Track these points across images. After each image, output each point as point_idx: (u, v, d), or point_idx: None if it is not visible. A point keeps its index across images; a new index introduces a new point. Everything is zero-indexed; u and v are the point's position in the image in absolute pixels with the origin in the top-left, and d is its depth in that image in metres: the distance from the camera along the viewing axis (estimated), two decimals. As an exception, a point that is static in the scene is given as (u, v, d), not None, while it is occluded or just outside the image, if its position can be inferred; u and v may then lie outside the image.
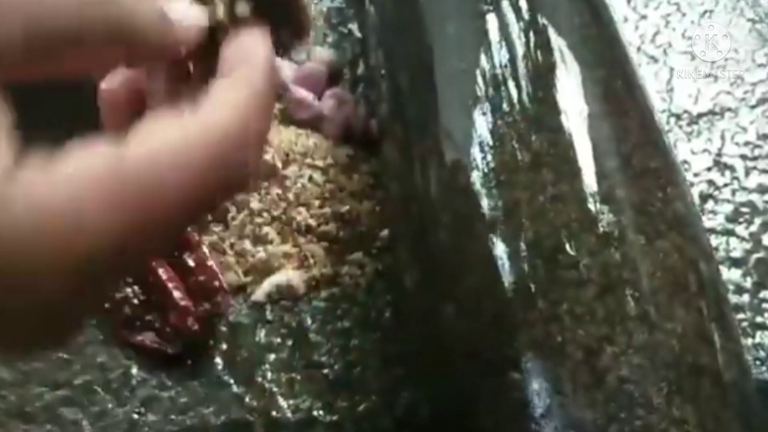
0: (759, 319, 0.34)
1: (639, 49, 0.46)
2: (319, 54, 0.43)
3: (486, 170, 0.27)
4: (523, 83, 0.30)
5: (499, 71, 0.30)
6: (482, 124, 0.29)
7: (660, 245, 0.24)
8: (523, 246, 0.24)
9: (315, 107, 0.40)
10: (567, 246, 0.24)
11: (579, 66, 0.29)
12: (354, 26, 0.45)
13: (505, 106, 0.29)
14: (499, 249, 0.25)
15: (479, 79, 0.30)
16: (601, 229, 0.24)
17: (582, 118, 0.27)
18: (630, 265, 0.23)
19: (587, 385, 0.21)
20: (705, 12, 0.47)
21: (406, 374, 0.30)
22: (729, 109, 0.43)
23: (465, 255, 0.25)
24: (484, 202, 0.26)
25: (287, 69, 0.42)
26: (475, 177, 0.27)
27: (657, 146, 0.27)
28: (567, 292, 0.23)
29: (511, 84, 0.30)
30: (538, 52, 0.30)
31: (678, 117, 0.42)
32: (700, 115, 0.42)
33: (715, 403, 0.22)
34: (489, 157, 0.27)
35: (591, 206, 0.24)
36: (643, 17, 0.47)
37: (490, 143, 0.27)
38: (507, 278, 0.24)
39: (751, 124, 0.42)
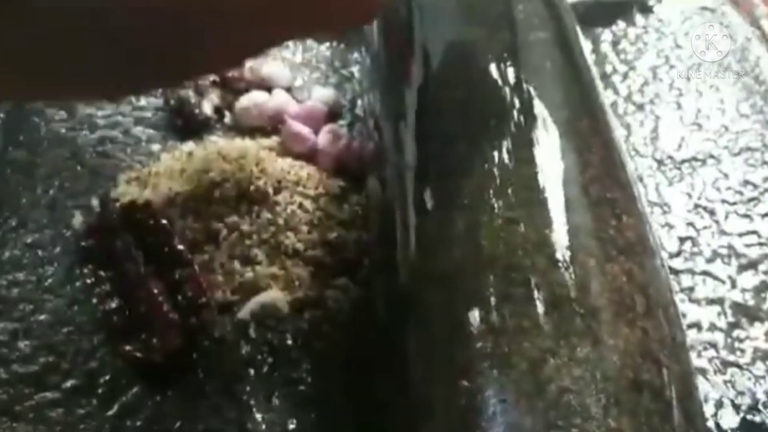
0: (731, 358, 0.35)
1: (627, 98, 0.48)
2: (319, 93, 0.46)
3: (453, 197, 0.29)
4: (497, 123, 0.32)
5: (478, 117, 0.32)
6: (453, 155, 0.31)
7: (609, 268, 0.25)
8: (479, 264, 0.26)
9: (311, 141, 0.42)
10: (519, 265, 0.25)
11: (546, 106, 0.31)
12: (355, 69, 0.48)
13: (475, 141, 0.31)
14: (458, 267, 0.26)
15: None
16: (553, 251, 0.25)
17: (545, 152, 0.29)
18: (578, 284, 0.25)
19: (529, 394, 0.22)
20: (693, 65, 0.49)
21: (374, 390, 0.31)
22: (712, 156, 0.44)
23: (427, 273, 0.27)
24: (448, 225, 0.28)
25: (290, 106, 0.45)
26: (442, 204, 0.29)
27: (616, 179, 0.29)
28: (516, 307, 0.24)
29: (488, 126, 0.31)
30: (513, 95, 0.32)
31: (661, 162, 0.44)
32: (684, 161, 0.44)
33: (655, 417, 0.23)
34: (457, 186, 0.29)
35: (545, 230, 0.26)
36: (632, 68, 0.49)
37: (459, 172, 0.29)
38: (463, 293, 0.25)
39: (733, 171, 0.43)
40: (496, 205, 0.28)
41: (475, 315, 0.25)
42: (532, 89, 0.32)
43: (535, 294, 0.24)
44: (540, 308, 0.24)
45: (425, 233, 0.29)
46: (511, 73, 0.33)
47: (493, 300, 0.25)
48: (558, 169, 0.29)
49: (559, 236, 0.26)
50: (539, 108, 0.31)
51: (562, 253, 0.25)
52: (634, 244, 0.27)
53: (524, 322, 0.24)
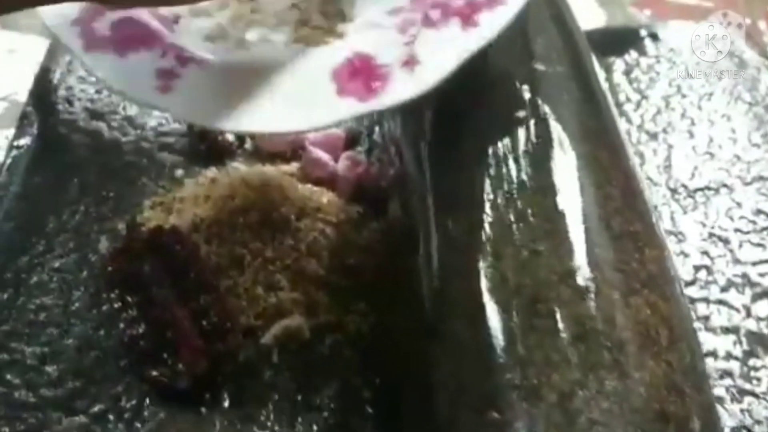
0: (747, 386, 0.35)
1: (640, 126, 0.48)
2: (338, 120, 0.47)
3: (476, 227, 0.29)
4: (518, 154, 0.32)
5: (500, 148, 0.33)
6: (476, 185, 0.31)
7: (634, 301, 0.26)
8: (505, 295, 0.26)
9: (330, 167, 0.43)
10: (544, 297, 0.26)
11: (569, 139, 0.32)
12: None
13: (497, 172, 0.31)
14: (484, 297, 0.27)
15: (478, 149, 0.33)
16: (578, 284, 0.26)
17: (567, 184, 0.30)
18: (603, 317, 0.25)
19: (559, 426, 0.23)
20: (705, 94, 0.50)
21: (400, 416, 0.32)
22: (725, 185, 0.45)
23: (452, 302, 0.28)
24: (473, 254, 0.28)
25: (309, 132, 0.45)
26: (465, 233, 0.29)
27: (637, 212, 0.30)
28: (543, 339, 0.25)
29: (510, 158, 0.32)
30: (533, 126, 0.33)
31: (675, 191, 0.44)
32: (697, 190, 0.44)
33: (680, 449, 0.23)
34: (481, 216, 0.30)
35: (570, 262, 0.27)
36: (645, 98, 0.50)
37: (482, 202, 0.30)
38: (489, 323, 0.26)
39: (746, 200, 0.44)
40: (519, 237, 0.28)
41: (502, 346, 0.25)
42: (552, 120, 0.33)
43: (561, 326, 0.25)
44: (567, 340, 0.25)
45: (449, 262, 0.30)
46: (531, 103, 0.34)
47: (519, 331, 0.25)
48: (580, 201, 0.29)
49: (583, 269, 0.26)
50: (560, 139, 0.32)
51: (586, 285, 0.26)
52: (656, 277, 0.27)
53: (552, 354, 0.24)
